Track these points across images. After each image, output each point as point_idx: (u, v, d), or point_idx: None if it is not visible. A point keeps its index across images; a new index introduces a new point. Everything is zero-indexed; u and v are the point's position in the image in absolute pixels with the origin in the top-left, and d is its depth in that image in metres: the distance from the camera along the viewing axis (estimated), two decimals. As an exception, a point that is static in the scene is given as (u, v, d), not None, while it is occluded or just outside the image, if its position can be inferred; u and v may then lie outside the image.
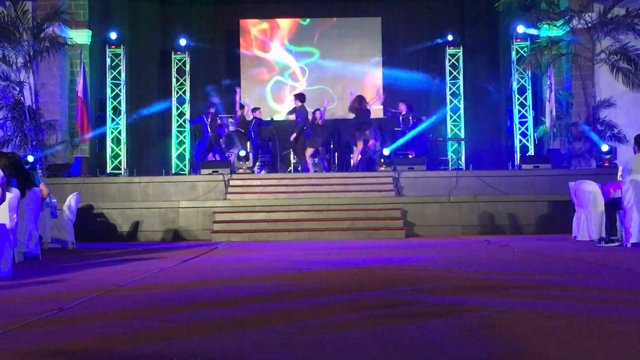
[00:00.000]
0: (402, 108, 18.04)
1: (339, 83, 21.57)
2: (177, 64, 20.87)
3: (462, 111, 20.59)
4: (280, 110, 21.28)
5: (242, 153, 16.62)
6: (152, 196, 14.95)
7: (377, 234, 13.30)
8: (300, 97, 17.54)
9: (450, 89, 20.67)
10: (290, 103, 19.38)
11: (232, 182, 15.18)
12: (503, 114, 20.50)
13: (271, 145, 18.72)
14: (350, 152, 18.31)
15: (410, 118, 17.92)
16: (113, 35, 19.33)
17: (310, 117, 17.50)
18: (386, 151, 16.86)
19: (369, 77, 21.64)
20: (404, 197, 14.67)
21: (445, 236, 13.52)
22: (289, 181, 15.68)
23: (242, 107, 18.07)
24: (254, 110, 18.12)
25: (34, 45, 16.95)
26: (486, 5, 19.78)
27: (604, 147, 15.86)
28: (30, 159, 15.42)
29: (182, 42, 20.74)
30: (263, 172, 18.11)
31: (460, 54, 20.66)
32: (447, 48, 20.73)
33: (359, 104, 16.94)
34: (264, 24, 21.95)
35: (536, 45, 17.66)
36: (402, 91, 21.00)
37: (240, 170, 16.21)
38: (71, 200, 12.05)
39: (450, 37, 20.54)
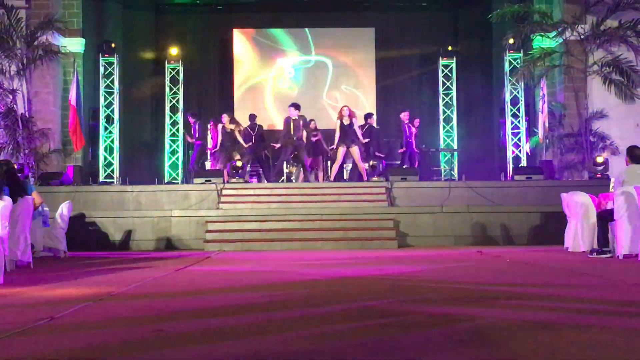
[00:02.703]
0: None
1: (333, 92, 21.61)
2: (170, 73, 20.88)
3: (454, 122, 20.64)
4: (274, 118, 21.29)
5: (239, 164, 16.60)
6: (144, 205, 14.92)
7: (370, 244, 13.28)
8: (295, 106, 17.39)
9: (443, 99, 20.71)
10: (284, 112, 19.48)
11: (224, 192, 15.16)
12: (496, 124, 20.53)
13: (265, 154, 18.72)
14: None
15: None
16: (107, 44, 19.32)
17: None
18: (372, 162, 16.89)
19: (363, 87, 21.67)
20: (397, 208, 14.68)
21: (437, 247, 13.51)
22: (282, 191, 15.66)
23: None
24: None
25: (27, 53, 16.94)
26: (479, 17, 19.84)
27: (599, 159, 15.89)
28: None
29: (176, 51, 20.76)
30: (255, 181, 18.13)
31: (454, 64, 20.72)
32: (440, 58, 20.78)
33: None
34: (258, 34, 21.97)
35: (529, 56, 17.72)
36: (395, 101, 21.08)
37: (233, 180, 16.19)
38: (63, 208, 12.02)
39: (450, 48, 20.58)
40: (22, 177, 11.40)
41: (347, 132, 16.39)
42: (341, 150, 16.47)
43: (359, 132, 16.55)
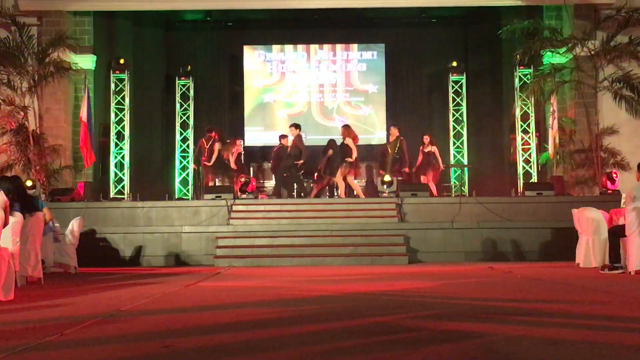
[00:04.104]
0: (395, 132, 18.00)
1: (343, 108, 21.63)
2: (181, 89, 20.94)
3: (465, 138, 20.61)
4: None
5: (242, 179, 16.62)
6: (155, 221, 14.94)
7: (380, 260, 13.26)
8: (296, 125, 17.58)
9: (454, 115, 20.69)
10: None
11: (235, 207, 15.17)
12: (506, 140, 20.50)
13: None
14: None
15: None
16: (117, 61, 19.39)
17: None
18: (387, 177, 16.86)
19: (373, 103, 21.67)
20: (407, 223, 14.65)
21: (448, 262, 13.48)
22: (292, 206, 15.66)
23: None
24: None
25: (38, 70, 17.03)
26: (489, 32, 19.85)
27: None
28: (29, 182, 15.07)
29: (186, 67, 20.83)
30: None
31: (464, 80, 20.70)
32: (450, 75, 20.78)
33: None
34: (268, 50, 22.03)
35: (539, 72, 17.70)
36: (405, 117, 21.05)
37: (244, 196, 16.21)
38: (74, 224, 12.05)
39: (454, 64, 20.59)
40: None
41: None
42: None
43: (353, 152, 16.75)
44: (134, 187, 19.15)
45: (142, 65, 21.02)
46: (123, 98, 19.37)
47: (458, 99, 20.70)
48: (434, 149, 17.98)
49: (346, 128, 17.07)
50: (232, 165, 17.84)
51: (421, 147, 18.10)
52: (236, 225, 14.69)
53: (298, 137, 17.37)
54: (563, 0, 17.49)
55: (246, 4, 18.93)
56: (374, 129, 21.46)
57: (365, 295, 7.42)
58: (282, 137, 18.02)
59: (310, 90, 21.80)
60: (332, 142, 17.11)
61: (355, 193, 17.04)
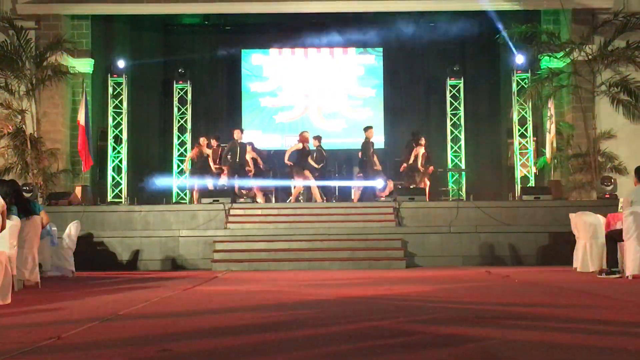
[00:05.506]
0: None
1: (341, 112, 21.61)
2: (178, 93, 20.93)
3: (462, 142, 20.61)
4: (281, 139, 21.30)
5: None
6: (152, 225, 14.93)
7: (378, 264, 13.26)
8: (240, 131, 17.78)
9: (451, 119, 20.70)
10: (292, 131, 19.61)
11: (232, 212, 15.16)
12: (504, 145, 20.52)
13: (272, 174, 18.77)
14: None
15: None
16: (115, 65, 19.39)
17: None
18: (380, 182, 16.89)
19: (371, 107, 21.67)
20: (405, 228, 14.65)
21: (445, 267, 13.48)
22: (290, 211, 15.65)
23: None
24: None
25: (36, 73, 17.03)
26: (487, 37, 19.87)
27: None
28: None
29: (184, 71, 20.82)
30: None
31: (461, 85, 20.70)
32: (448, 79, 20.78)
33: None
34: (266, 54, 22.02)
35: (537, 76, 17.73)
36: (402, 121, 21.07)
37: (241, 200, 16.21)
38: (71, 228, 12.04)
39: (456, 67, 20.58)
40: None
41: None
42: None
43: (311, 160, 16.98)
44: (131, 191, 19.15)
45: (140, 69, 21.01)
46: (121, 102, 19.38)
47: (456, 103, 20.71)
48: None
49: (304, 134, 17.25)
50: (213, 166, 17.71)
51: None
52: (234, 229, 14.69)
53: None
54: (561, 5, 17.51)
55: (244, 8, 18.91)
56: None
57: (362, 300, 7.42)
58: (316, 138, 17.98)
59: (308, 94, 21.78)
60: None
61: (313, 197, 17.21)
